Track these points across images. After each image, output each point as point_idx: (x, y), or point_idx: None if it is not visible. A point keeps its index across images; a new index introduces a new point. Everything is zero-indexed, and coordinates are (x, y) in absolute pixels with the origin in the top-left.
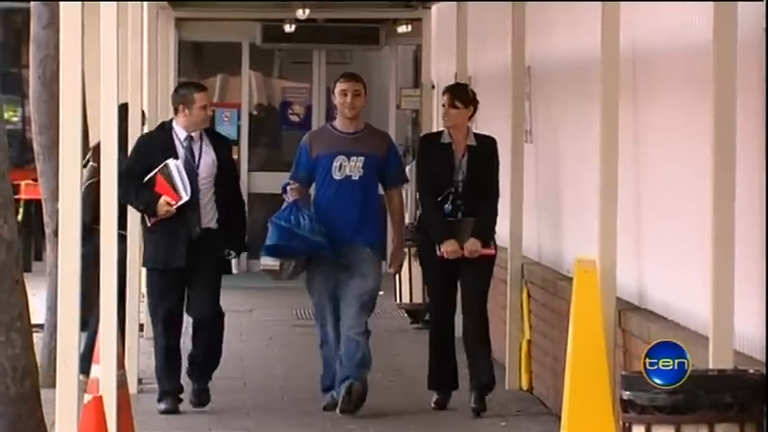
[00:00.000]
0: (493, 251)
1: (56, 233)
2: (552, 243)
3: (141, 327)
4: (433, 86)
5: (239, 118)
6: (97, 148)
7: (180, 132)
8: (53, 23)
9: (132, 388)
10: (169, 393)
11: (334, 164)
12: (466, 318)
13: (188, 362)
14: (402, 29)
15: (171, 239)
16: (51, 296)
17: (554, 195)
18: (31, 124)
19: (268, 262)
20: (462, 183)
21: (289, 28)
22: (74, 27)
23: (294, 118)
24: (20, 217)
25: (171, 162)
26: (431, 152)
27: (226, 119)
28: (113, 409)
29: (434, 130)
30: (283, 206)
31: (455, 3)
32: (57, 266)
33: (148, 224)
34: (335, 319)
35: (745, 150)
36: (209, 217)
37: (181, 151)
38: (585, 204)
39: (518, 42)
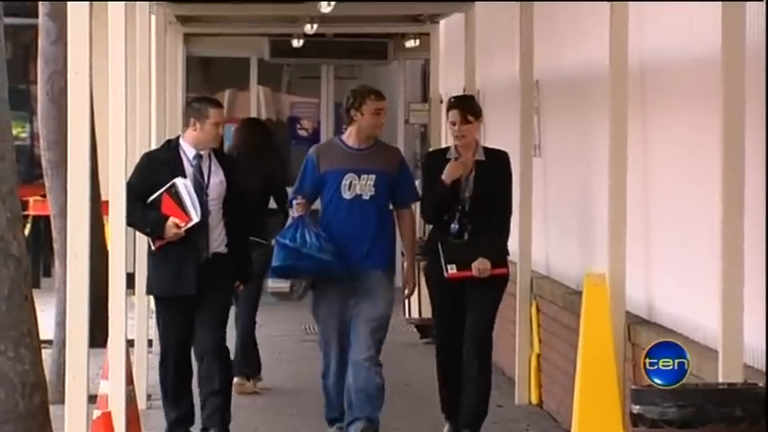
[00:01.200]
0: (504, 270)
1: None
2: (561, 257)
3: (150, 342)
4: (442, 101)
5: None
6: None
7: (188, 150)
8: (61, 39)
9: (141, 403)
10: (180, 423)
11: (344, 182)
12: (468, 343)
13: (202, 406)
14: (410, 43)
15: (178, 265)
16: (60, 312)
17: (563, 209)
18: (39, 140)
19: (277, 284)
20: (470, 200)
21: (297, 43)
22: (82, 42)
23: (303, 133)
24: (28, 233)
25: (179, 181)
26: (437, 170)
27: None
28: (122, 424)
29: (443, 144)
30: (288, 223)
31: (463, 17)
32: (65, 282)
33: (152, 248)
34: (341, 349)
35: (754, 163)
36: (218, 241)
37: (189, 170)
38: (594, 218)
39: (526, 56)
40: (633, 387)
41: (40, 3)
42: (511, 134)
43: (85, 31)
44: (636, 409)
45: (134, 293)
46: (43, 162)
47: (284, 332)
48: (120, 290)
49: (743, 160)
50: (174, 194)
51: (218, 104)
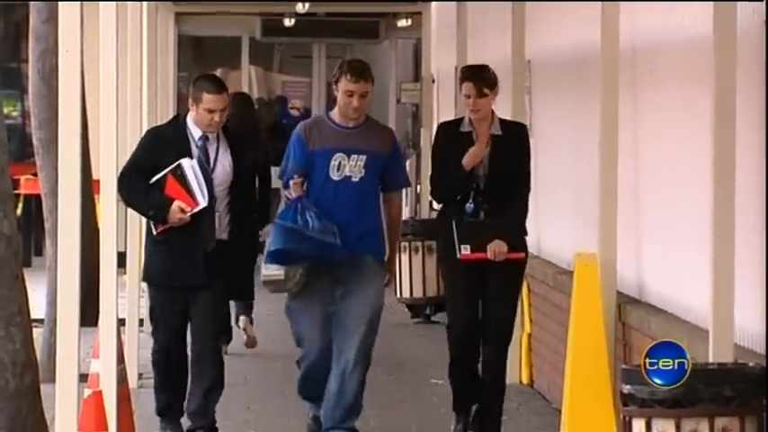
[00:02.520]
0: (521, 255)
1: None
2: (552, 237)
3: (141, 321)
4: (434, 80)
5: None
6: None
7: (194, 130)
8: (52, 18)
9: (132, 383)
10: (172, 409)
11: (332, 162)
12: (488, 338)
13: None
14: (402, 23)
15: (185, 253)
16: (51, 291)
17: (554, 189)
18: (30, 119)
19: (272, 272)
20: (485, 178)
21: (288, 22)
22: (73, 21)
23: (294, 112)
24: (19, 212)
25: (185, 162)
26: (449, 143)
27: None
28: (113, 403)
29: (435, 124)
30: (281, 205)
31: None
32: (56, 261)
33: (154, 232)
34: (325, 343)
35: (744, 144)
36: (222, 228)
37: (195, 151)
38: (585, 198)
39: (518, 36)
40: (624, 366)
41: None
42: (502, 114)
43: (76, 9)
44: (626, 388)
45: (125, 272)
46: (34, 141)
47: (275, 312)
48: (111, 269)
49: (734, 141)
50: (180, 176)
51: (218, 89)
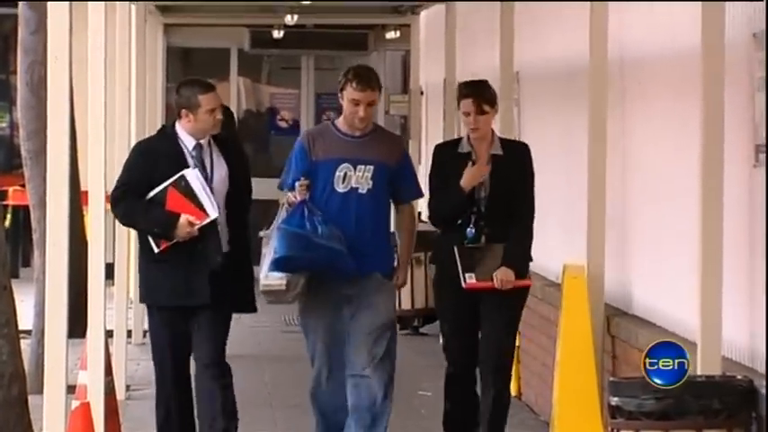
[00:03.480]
0: (528, 282)
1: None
2: (540, 249)
3: (129, 333)
4: (422, 92)
5: None
6: None
7: (186, 139)
8: (41, 29)
9: (120, 394)
10: None
11: (338, 173)
12: (486, 367)
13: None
14: (390, 35)
15: (189, 271)
16: (39, 302)
17: (542, 201)
18: (18, 130)
19: (273, 281)
20: (486, 201)
21: (277, 34)
22: (61, 31)
23: (282, 124)
24: (7, 223)
25: (189, 172)
26: (447, 165)
27: None
28: (101, 415)
29: (423, 136)
30: (280, 214)
31: (443, 9)
32: (44, 272)
33: (155, 250)
34: (335, 364)
35: (732, 155)
36: (224, 241)
37: (190, 162)
38: (573, 210)
39: (506, 48)
40: (611, 379)
41: None
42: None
43: (65, 18)
44: (614, 400)
45: (113, 284)
46: (22, 152)
47: (264, 323)
48: (100, 280)
49: (722, 153)
50: (185, 188)
51: (209, 87)
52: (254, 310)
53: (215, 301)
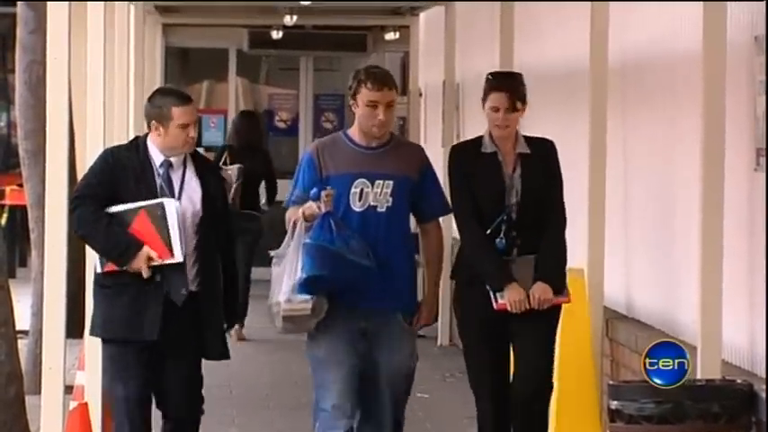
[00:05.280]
0: (566, 299)
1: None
2: None
3: None
4: (421, 94)
5: (226, 124)
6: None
7: (155, 155)
8: (40, 28)
9: None
10: None
11: (353, 189)
12: (524, 403)
13: None
14: (390, 36)
15: (138, 300)
16: (36, 302)
17: None
18: (16, 129)
19: (297, 305)
20: (517, 207)
21: (276, 34)
22: (60, 31)
23: (281, 125)
24: (4, 222)
25: (170, 203)
26: (470, 168)
27: (212, 125)
28: (98, 415)
29: (422, 139)
30: (298, 227)
31: (443, 10)
32: (42, 272)
33: (98, 270)
34: (346, 405)
35: (733, 159)
36: (191, 276)
37: (156, 181)
38: (574, 213)
39: (506, 50)
40: (611, 382)
41: None
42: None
43: (65, 17)
44: (613, 404)
45: None
46: (20, 151)
47: (262, 324)
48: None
49: (722, 157)
50: (159, 217)
51: (185, 99)
52: (226, 356)
53: (182, 348)
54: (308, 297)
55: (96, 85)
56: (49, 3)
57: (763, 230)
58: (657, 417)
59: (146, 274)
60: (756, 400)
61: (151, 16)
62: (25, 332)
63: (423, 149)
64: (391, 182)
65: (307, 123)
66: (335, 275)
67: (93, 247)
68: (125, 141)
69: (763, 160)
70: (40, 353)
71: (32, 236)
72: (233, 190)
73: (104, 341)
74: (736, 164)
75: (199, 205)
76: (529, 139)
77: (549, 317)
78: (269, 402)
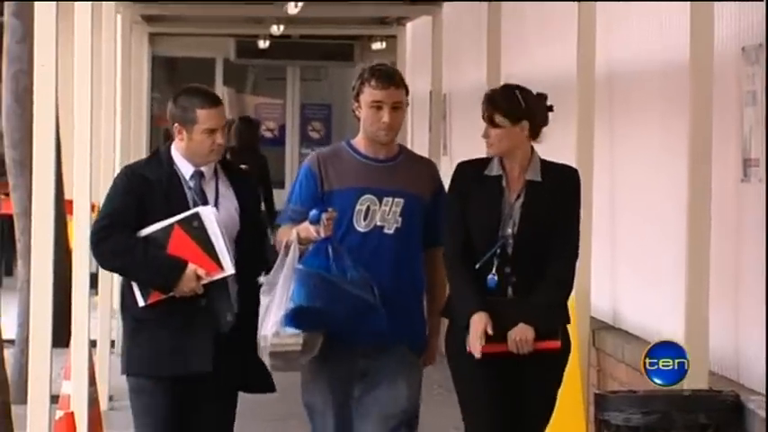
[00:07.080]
0: (557, 344)
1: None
2: None
3: (112, 343)
4: (407, 104)
5: None
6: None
7: (183, 166)
8: (27, 38)
9: (103, 404)
10: None
11: (358, 207)
12: None
13: None
14: (377, 46)
15: (185, 333)
16: (22, 312)
17: None
18: (3, 139)
19: (287, 340)
20: (513, 239)
21: (263, 44)
22: (48, 39)
23: (267, 134)
24: None
25: (205, 210)
26: (468, 189)
27: None
28: (84, 425)
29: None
30: (290, 249)
31: (430, 20)
32: (28, 282)
33: (141, 303)
34: None
35: (720, 170)
36: (233, 296)
37: (188, 194)
38: None
39: (493, 60)
40: (597, 392)
41: (5, 2)
42: (477, 140)
43: (52, 25)
44: (600, 415)
45: (97, 294)
46: (7, 161)
47: None
48: (84, 290)
49: (710, 168)
50: (197, 230)
51: (214, 101)
52: (272, 389)
53: (219, 376)
54: (297, 331)
55: (83, 95)
56: (36, 10)
57: (756, 242)
58: (644, 427)
59: (199, 290)
60: (743, 411)
61: (138, 25)
62: (11, 341)
63: (435, 166)
64: (402, 200)
65: (293, 133)
66: (330, 308)
67: (134, 279)
68: (112, 149)
69: (750, 170)
70: (27, 362)
71: (19, 245)
72: None
73: (145, 378)
74: (724, 175)
75: (237, 218)
76: (547, 165)
77: (555, 369)
78: (255, 413)
